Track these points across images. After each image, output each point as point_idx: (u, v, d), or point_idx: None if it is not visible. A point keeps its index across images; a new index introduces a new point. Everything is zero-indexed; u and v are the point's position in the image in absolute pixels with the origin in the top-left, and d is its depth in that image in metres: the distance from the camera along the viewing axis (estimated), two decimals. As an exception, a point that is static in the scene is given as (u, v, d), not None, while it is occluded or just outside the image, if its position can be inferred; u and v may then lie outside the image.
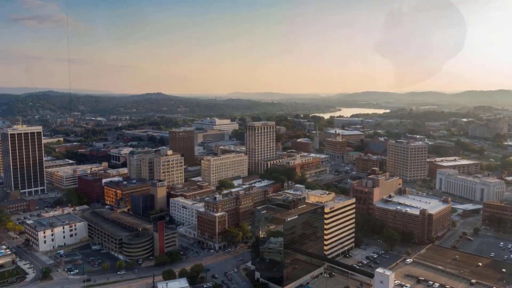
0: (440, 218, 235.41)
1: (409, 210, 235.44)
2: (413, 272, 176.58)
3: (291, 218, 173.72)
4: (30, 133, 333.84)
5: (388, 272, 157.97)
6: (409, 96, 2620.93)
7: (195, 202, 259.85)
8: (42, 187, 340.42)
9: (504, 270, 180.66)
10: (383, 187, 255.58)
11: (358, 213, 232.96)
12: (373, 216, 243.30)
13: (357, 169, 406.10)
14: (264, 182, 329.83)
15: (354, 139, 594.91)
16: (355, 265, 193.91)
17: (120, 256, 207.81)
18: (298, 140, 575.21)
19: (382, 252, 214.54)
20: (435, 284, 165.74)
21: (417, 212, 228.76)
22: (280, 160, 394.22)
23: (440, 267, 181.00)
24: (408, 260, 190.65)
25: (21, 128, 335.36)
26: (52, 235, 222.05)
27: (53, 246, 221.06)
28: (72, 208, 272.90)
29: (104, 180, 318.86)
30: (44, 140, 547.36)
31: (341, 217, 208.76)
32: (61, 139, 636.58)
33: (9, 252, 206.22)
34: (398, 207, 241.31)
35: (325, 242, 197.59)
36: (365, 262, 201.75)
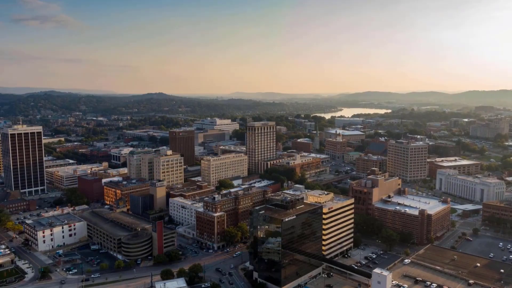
0: (439, 218, 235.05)
1: (408, 210, 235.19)
2: (411, 273, 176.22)
3: (289, 218, 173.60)
4: (30, 133, 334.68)
5: (385, 273, 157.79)
6: (410, 96, 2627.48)
7: (194, 202, 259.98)
8: (42, 187, 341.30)
9: (502, 270, 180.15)
10: (382, 187, 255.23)
11: (357, 213, 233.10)
12: (372, 216, 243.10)
13: (357, 169, 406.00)
14: (264, 182, 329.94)
15: (355, 139, 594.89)
16: (354, 265, 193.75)
17: (119, 256, 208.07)
18: (299, 140, 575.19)
19: (381, 252, 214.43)
20: (433, 284, 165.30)
21: (416, 213, 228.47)
22: (280, 160, 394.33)
23: (438, 268, 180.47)
24: (406, 260, 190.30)
25: (21, 128, 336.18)
26: (51, 235, 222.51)
27: (52, 246, 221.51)
28: (72, 208, 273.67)
29: (104, 180, 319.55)
30: (45, 140, 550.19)
31: (339, 217, 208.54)
32: (62, 139, 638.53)
33: (8, 252, 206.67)
34: (397, 207, 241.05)
35: (324, 242, 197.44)
36: (364, 263, 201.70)
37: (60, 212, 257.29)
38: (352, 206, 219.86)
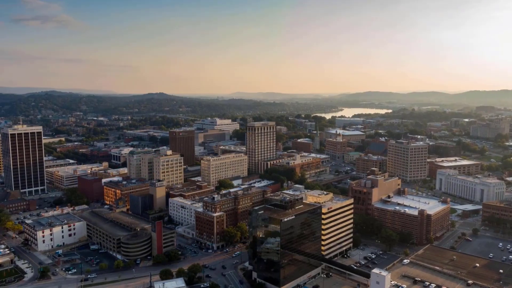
0: (439, 218, 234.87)
1: (407, 210, 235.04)
2: (410, 273, 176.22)
3: (288, 218, 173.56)
4: (30, 133, 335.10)
5: (384, 273, 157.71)
6: (411, 96, 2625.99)
7: (194, 202, 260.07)
8: (42, 187, 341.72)
9: (501, 271, 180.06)
10: (382, 187, 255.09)
11: (357, 214, 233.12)
12: (371, 216, 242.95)
13: (357, 170, 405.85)
14: (264, 182, 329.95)
15: (355, 139, 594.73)
16: (353, 266, 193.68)
17: (118, 256, 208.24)
18: (299, 140, 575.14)
19: (380, 252, 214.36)
20: (432, 284, 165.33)
21: (415, 213, 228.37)
22: (280, 160, 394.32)
23: (437, 268, 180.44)
24: (405, 260, 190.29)
25: (21, 128, 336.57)
26: (50, 234, 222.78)
27: (52, 246, 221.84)
28: (72, 208, 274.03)
29: (104, 180, 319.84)
30: (46, 140, 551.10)
31: (339, 218, 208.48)
32: (63, 139, 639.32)
33: (8, 252, 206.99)
34: (397, 207, 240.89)
35: (323, 243, 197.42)
36: (363, 263, 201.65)
37: (60, 212, 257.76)
38: (352, 206, 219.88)
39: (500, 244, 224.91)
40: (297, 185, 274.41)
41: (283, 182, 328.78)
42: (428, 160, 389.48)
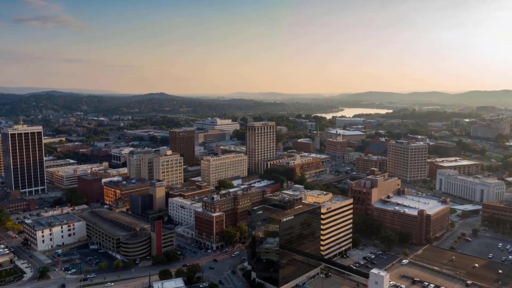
0: (438, 218, 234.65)
1: (407, 210, 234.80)
2: (409, 273, 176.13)
3: (287, 218, 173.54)
4: (31, 133, 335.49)
5: (382, 273, 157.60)
6: (412, 96, 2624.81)
7: (194, 202, 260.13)
8: (42, 187, 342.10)
9: (500, 271, 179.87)
10: (381, 187, 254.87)
11: (356, 214, 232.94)
12: (371, 216, 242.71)
13: (357, 170, 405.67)
14: (264, 182, 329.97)
15: (355, 139, 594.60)
16: (352, 266, 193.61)
17: (118, 256, 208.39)
18: (299, 140, 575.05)
19: (380, 252, 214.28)
20: (430, 285, 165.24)
21: (415, 213, 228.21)
22: (280, 160, 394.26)
23: (436, 268, 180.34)
24: (404, 260, 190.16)
25: (21, 128, 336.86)
26: (50, 234, 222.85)
27: (51, 246, 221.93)
28: (71, 208, 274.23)
29: (103, 180, 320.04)
30: (46, 140, 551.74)
31: (338, 218, 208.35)
32: (63, 139, 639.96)
33: (8, 251, 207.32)
34: (396, 207, 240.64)
35: (322, 243, 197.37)
36: (362, 263, 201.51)
37: (59, 212, 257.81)
38: (351, 206, 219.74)
39: (500, 244, 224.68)
40: (297, 185, 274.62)
41: (283, 182, 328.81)
42: (428, 160, 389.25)
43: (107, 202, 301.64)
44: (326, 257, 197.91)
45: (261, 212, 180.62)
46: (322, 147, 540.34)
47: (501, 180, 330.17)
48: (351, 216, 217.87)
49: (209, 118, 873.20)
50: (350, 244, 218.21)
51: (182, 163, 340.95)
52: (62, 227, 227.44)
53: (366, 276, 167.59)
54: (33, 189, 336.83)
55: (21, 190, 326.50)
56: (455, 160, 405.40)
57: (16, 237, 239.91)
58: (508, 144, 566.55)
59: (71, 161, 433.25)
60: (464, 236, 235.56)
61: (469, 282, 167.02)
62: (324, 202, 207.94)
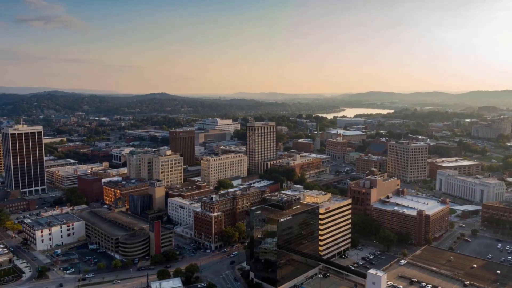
0: (437, 219, 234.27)
1: (406, 211, 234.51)
2: (407, 273, 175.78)
3: (285, 218, 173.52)
4: (31, 133, 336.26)
5: (380, 273, 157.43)
6: (413, 96, 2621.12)
7: (193, 202, 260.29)
8: (42, 187, 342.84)
9: (498, 272, 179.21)
10: (380, 187, 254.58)
11: (355, 214, 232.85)
12: (370, 216, 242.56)
13: (358, 170, 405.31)
14: (264, 182, 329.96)
15: (356, 139, 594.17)
16: (350, 266, 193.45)
17: (117, 256, 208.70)
18: (300, 140, 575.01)
19: (378, 253, 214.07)
20: (428, 285, 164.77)
21: (414, 213, 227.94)
22: (280, 161, 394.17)
23: (434, 269, 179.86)
24: (402, 261, 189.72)
25: (21, 128, 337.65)
26: (49, 234, 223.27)
27: (51, 245, 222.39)
28: (71, 208, 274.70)
29: (103, 180, 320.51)
30: (47, 140, 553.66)
31: (337, 218, 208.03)
32: (64, 139, 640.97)
33: (7, 251, 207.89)
34: (396, 208, 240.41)
35: (321, 243, 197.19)
36: (361, 263, 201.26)
37: (59, 212, 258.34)
38: (350, 206, 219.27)
39: (499, 245, 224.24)
40: (296, 185, 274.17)
41: (282, 182, 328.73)
42: (429, 160, 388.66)
43: (107, 202, 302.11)
44: (324, 257, 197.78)
45: (260, 212, 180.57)
46: (323, 147, 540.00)
47: (502, 180, 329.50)
48: (349, 216, 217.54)
49: (210, 118, 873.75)
50: (349, 245, 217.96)
51: (182, 163, 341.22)
52: (61, 227, 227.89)
53: (364, 276, 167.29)
54: (33, 189, 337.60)
55: (21, 190, 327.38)
56: (456, 161, 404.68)
57: (15, 236, 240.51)
58: (509, 144, 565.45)
59: (72, 161, 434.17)
60: (463, 236, 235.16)
61: (467, 282, 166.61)
62: (322, 202, 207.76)
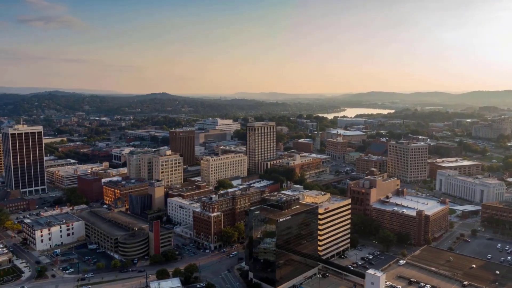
0: (437, 219, 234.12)
1: (405, 211, 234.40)
2: (406, 274, 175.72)
3: (284, 218, 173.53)
4: (31, 133, 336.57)
5: (379, 274, 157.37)
6: (414, 96, 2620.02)
7: (192, 202, 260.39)
8: (42, 187, 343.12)
9: (497, 272, 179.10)
10: (380, 188, 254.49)
11: (355, 214, 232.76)
12: (369, 217, 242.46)
13: (358, 170, 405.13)
14: (264, 183, 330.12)
15: (356, 139, 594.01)
16: (350, 266, 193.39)
17: (116, 256, 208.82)
18: (300, 140, 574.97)
19: (378, 253, 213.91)
20: (427, 285, 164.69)
21: (413, 213, 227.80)
22: (280, 161, 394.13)
23: (433, 269, 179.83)
24: (401, 261, 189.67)
25: (21, 128, 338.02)
26: (49, 234, 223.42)
27: (50, 245, 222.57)
28: (71, 208, 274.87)
29: (103, 180, 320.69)
30: (48, 140, 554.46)
31: (336, 218, 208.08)
32: (65, 138, 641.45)
33: (6, 251, 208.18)
34: (395, 208, 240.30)
35: (320, 243, 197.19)
36: (360, 263, 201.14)
37: (59, 212, 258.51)
38: (349, 206, 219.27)
39: (499, 245, 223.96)
40: (296, 186, 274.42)
41: (282, 183, 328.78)
42: (429, 160, 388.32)
43: (107, 202, 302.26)
44: (324, 257, 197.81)
45: (258, 212, 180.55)
46: (323, 147, 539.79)
47: (502, 180, 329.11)
48: (349, 216, 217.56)
49: (210, 118, 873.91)
50: (348, 245, 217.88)
51: (182, 163, 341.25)
52: (61, 227, 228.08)
53: (363, 276, 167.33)
54: (33, 188, 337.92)
55: (21, 190, 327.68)
56: (456, 161, 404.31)
57: (15, 236, 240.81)
58: (509, 144, 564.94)
59: (72, 161, 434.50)
60: (463, 236, 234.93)
61: (465, 283, 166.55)
62: (322, 202, 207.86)
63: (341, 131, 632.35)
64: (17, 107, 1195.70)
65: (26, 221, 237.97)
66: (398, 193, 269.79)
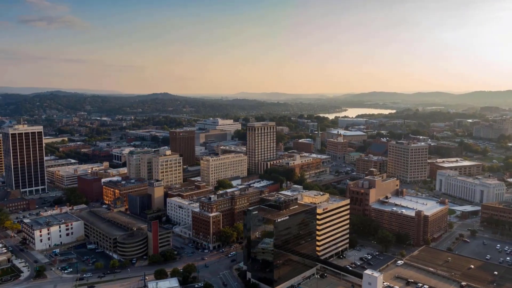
0: (436, 219, 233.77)
1: (405, 211, 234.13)
2: (403, 274, 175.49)
3: (282, 219, 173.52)
4: (31, 133, 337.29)
5: (376, 274, 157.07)
6: (416, 96, 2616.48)
7: (192, 202, 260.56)
8: (42, 186, 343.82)
9: (496, 272, 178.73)
10: (379, 188, 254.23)
11: (354, 214, 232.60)
12: (368, 217, 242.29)
13: (358, 170, 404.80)
14: (263, 183, 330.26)
15: (357, 139, 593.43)
16: (348, 266, 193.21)
17: (115, 255, 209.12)
18: (300, 140, 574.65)
19: (377, 253, 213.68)
20: (425, 286, 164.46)
21: (412, 214, 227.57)
22: (280, 161, 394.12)
23: (431, 269, 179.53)
24: (399, 261, 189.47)
25: (22, 128, 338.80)
26: (48, 234, 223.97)
27: (49, 245, 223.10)
28: (70, 208, 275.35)
29: (103, 180, 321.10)
30: (49, 140, 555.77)
31: (334, 218, 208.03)
32: (66, 138, 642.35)
33: (5, 251, 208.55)
34: (394, 208, 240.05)
35: (318, 243, 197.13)
36: (359, 263, 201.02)
37: (58, 212, 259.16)
38: (348, 207, 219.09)
39: (498, 245, 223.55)
40: (295, 186, 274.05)
41: (282, 183, 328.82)
42: (429, 160, 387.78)
43: (107, 202, 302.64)
44: (322, 257, 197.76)
45: (256, 212, 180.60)
46: (323, 148, 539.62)
47: (502, 181, 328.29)
48: (348, 216, 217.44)
49: (211, 118, 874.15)
50: (347, 245, 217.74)
51: (182, 163, 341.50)
52: (60, 227, 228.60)
53: (361, 277, 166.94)
54: (33, 188, 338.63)
55: (22, 190, 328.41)
56: (456, 161, 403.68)
57: (14, 236, 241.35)
58: (510, 144, 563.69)
59: (73, 161, 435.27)
60: (462, 237, 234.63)
61: (463, 283, 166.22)
62: (320, 202, 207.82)
63: (342, 131, 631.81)
64: (19, 107, 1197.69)
65: (26, 221, 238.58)
66: (398, 193, 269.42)
